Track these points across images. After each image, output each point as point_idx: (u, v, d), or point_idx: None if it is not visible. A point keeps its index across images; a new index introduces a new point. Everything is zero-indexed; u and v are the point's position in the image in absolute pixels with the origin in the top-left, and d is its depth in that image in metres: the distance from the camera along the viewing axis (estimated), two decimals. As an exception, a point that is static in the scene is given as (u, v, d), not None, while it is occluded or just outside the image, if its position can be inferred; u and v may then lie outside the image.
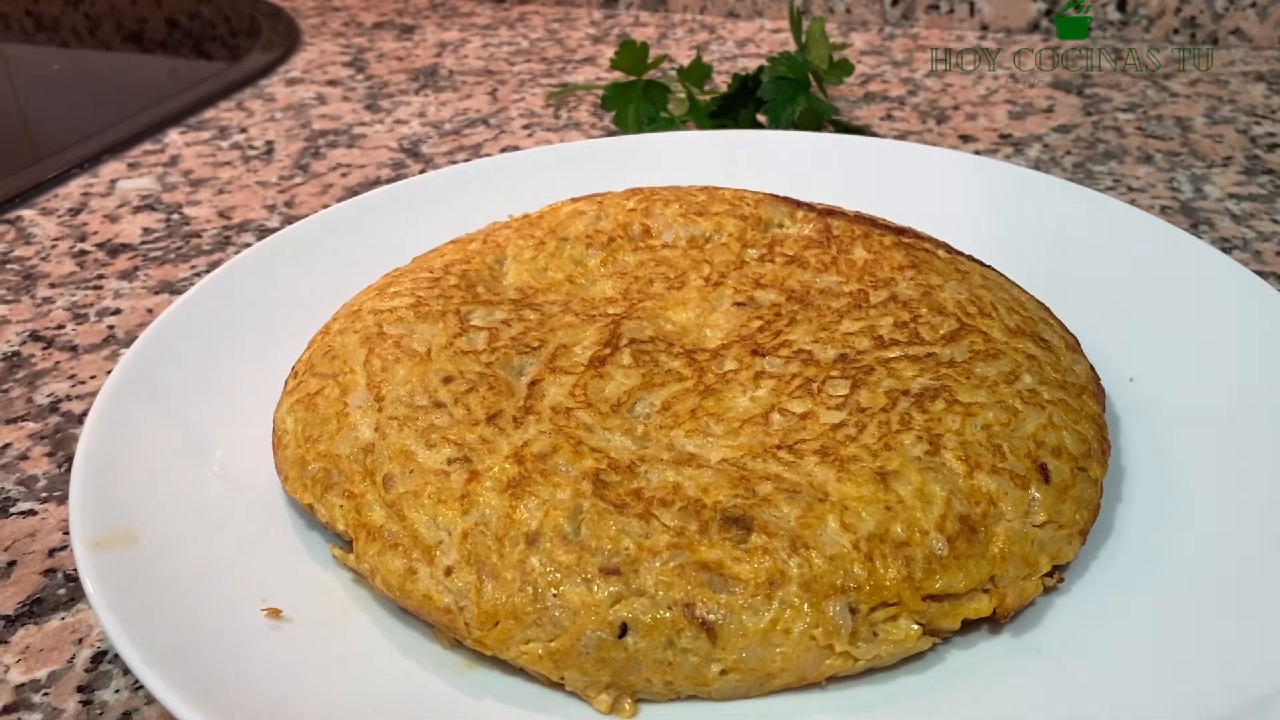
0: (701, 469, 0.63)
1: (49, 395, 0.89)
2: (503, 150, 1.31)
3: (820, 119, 1.24)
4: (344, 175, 1.26)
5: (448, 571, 0.60)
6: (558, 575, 0.58)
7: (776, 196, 0.93)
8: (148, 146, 1.34)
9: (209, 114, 1.44)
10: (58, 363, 0.93)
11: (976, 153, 1.23)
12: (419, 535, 0.62)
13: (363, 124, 1.40)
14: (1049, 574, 0.62)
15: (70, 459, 0.81)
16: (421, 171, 1.26)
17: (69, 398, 0.89)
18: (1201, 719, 0.54)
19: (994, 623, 0.61)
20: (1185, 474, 0.70)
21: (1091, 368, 0.75)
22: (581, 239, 0.88)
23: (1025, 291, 0.83)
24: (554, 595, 0.57)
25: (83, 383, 0.91)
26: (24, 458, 0.82)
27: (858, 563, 0.58)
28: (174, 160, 1.31)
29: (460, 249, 0.89)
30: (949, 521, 0.60)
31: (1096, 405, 0.71)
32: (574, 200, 0.95)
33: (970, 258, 0.85)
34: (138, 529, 0.65)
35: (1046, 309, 0.81)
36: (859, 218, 0.89)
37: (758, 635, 0.56)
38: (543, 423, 0.67)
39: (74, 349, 0.95)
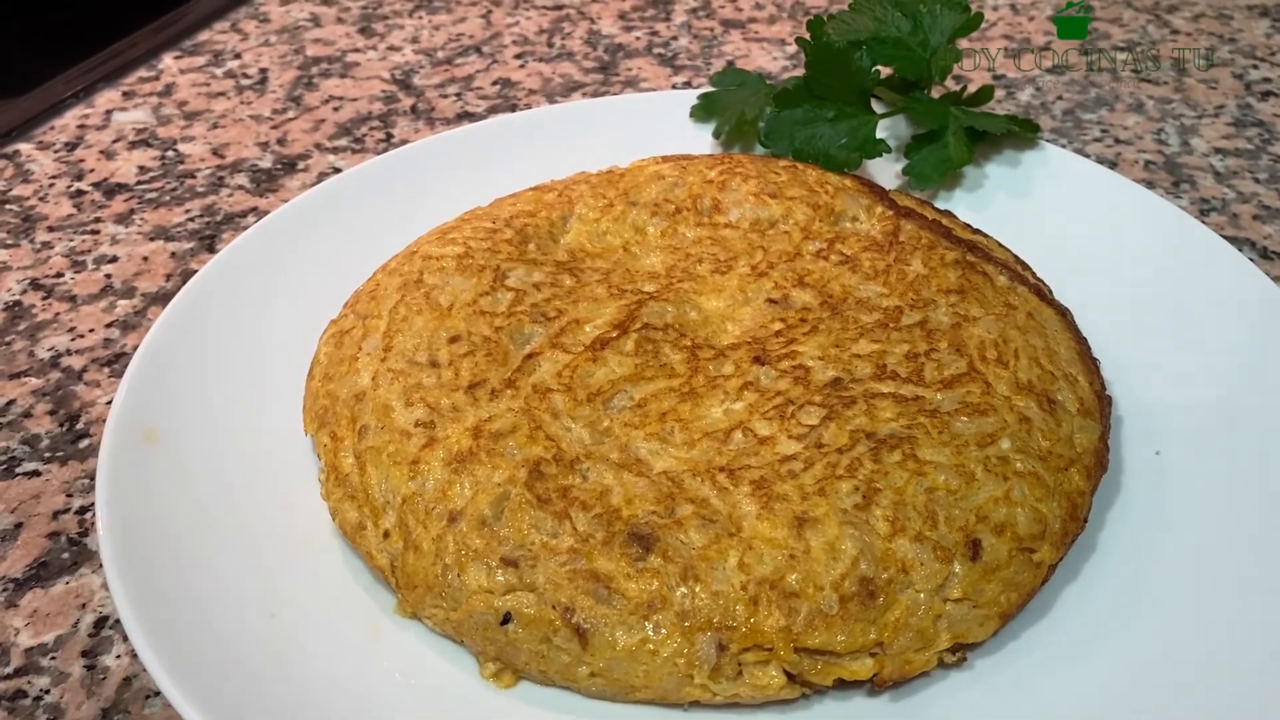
0: (640, 477, 0.66)
1: (50, 349, 0.93)
2: (495, 83, 1.31)
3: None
4: (336, 110, 1.27)
5: (385, 535, 0.68)
6: (465, 557, 0.64)
7: (861, 186, 0.90)
8: (143, 73, 1.35)
9: (204, 36, 1.44)
10: (58, 314, 0.97)
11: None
12: (371, 494, 0.69)
13: (356, 50, 1.40)
14: (951, 650, 0.62)
15: (72, 417, 0.86)
16: (413, 107, 1.27)
17: (69, 352, 0.93)
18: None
19: (876, 686, 0.61)
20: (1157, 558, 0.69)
21: (1104, 436, 0.71)
22: (649, 205, 0.89)
23: (1074, 339, 0.78)
24: (458, 574, 0.64)
25: (82, 336, 0.94)
26: (28, 415, 0.87)
27: (741, 603, 0.60)
28: (169, 89, 1.32)
29: (536, 199, 0.91)
30: (848, 581, 0.60)
31: (1083, 481, 0.68)
32: (663, 160, 0.95)
33: (1036, 288, 0.82)
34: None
35: (1088, 363, 0.77)
36: (935, 224, 0.86)
37: (626, 650, 0.61)
38: (517, 399, 0.72)
39: (73, 299, 0.99)
